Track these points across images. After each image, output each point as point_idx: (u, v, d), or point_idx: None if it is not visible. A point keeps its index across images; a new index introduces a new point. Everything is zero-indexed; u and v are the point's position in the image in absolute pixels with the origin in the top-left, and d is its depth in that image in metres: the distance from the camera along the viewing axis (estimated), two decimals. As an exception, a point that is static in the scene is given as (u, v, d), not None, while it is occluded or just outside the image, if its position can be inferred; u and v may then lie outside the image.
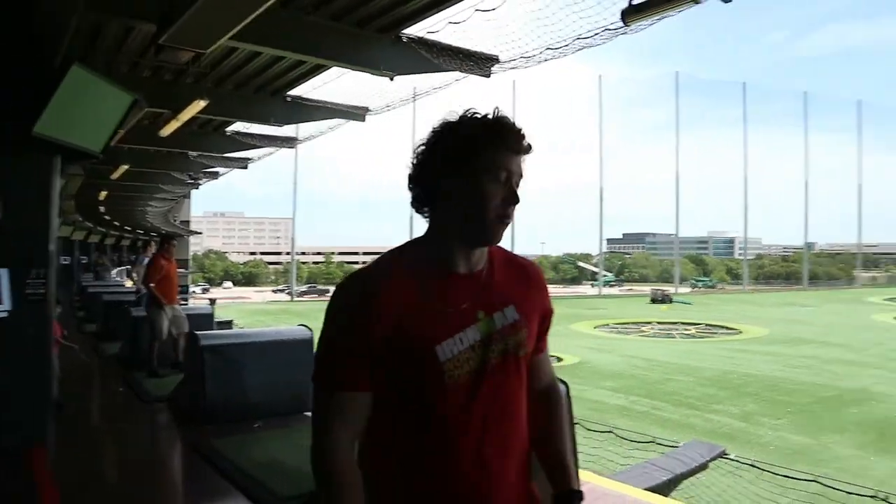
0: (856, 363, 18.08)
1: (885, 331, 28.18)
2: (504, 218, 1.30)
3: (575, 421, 4.86)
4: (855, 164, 65.93)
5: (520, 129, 1.31)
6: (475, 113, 1.32)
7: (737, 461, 6.31)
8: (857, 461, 9.83)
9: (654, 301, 46.41)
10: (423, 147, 1.34)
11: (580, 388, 14.85)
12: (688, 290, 56.09)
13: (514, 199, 1.30)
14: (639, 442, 7.47)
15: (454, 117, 1.33)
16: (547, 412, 1.45)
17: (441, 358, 1.25)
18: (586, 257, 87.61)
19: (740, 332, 27.86)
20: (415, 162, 1.35)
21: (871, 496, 5.25)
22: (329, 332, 1.30)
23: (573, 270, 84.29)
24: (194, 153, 9.44)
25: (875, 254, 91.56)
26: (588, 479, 4.52)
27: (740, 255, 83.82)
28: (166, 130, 7.02)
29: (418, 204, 1.36)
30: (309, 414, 5.85)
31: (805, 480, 5.82)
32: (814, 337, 24.77)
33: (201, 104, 5.81)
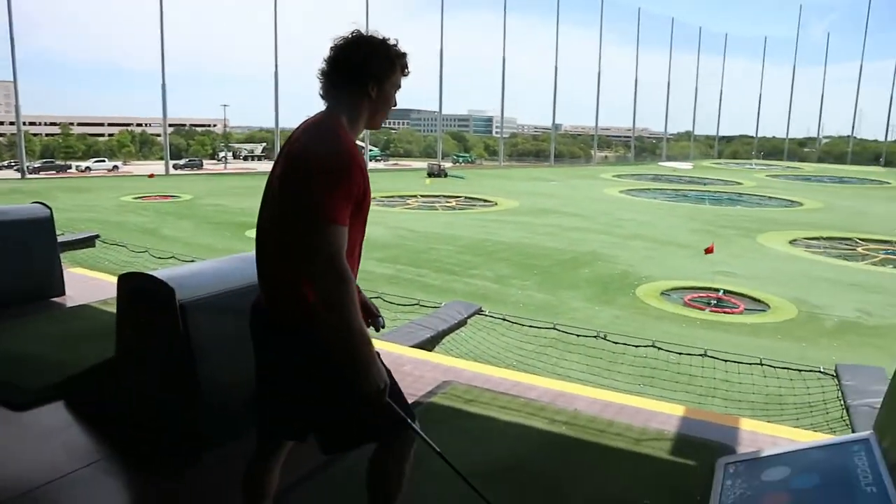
0: (589, 230, 20.68)
1: (612, 202, 32.39)
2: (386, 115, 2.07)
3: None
4: (595, 55, 71.87)
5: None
6: (391, 41, 1.96)
7: (491, 317, 7.03)
8: (586, 311, 11.45)
9: (430, 175, 48.09)
10: (352, 56, 1.92)
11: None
12: (449, 164, 58.78)
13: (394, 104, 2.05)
14: (405, 305, 7.95)
15: (378, 40, 1.94)
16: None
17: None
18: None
19: (496, 204, 30.12)
20: (341, 64, 1.93)
21: (594, 336, 6.22)
22: (332, 184, 1.80)
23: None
24: None
25: (608, 136, 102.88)
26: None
27: (497, 133, 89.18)
28: None
29: (331, 94, 1.97)
30: (54, 300, 5.27)
31: (546, 328, 6.72)
32: (556, 208, 27.66)
33: None
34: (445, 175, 48.49)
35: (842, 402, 5.54)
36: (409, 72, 2.02)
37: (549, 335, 6.91)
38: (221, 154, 70.97)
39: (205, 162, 65.57)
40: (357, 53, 1.92)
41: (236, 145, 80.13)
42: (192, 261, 7.22)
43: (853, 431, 4.38)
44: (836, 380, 5.98)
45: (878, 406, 2.91)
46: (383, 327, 2.47)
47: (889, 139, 78.12)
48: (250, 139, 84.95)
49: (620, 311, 11.76)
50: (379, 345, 5.07)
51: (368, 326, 2.14)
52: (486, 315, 7.11)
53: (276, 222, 1.98)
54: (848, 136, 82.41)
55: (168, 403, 3.08)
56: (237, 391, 3.25)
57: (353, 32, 1.95)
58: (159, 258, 11.50)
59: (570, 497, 2.90)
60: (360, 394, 1.89)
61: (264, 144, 77.11)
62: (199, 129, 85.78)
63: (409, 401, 3.83)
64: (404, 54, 2.00)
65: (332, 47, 1.95)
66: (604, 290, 13.41)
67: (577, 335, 6.55)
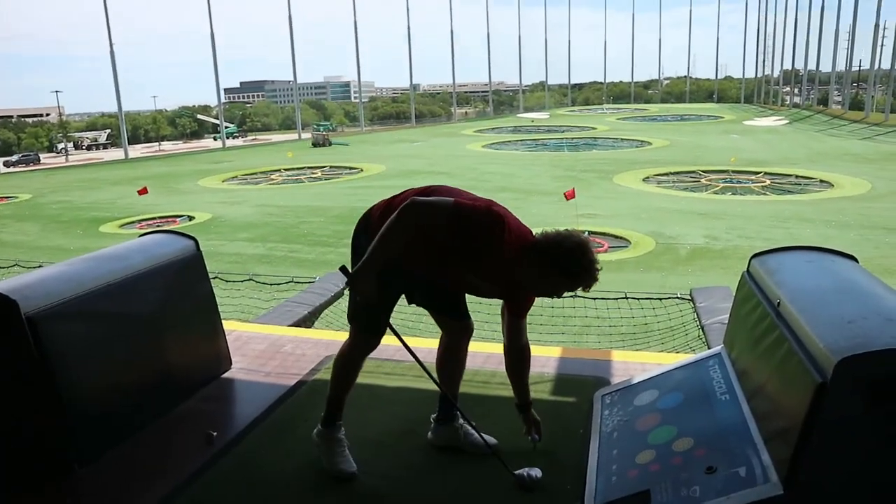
0: (457, 186, 20.94)
1: (476, 157, 33.01)
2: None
3: (214, 275, 4.77)
4: (447, 12, 72.05)
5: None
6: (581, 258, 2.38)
7: (368, 284, 6.99)
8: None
9: (315, 145, 48.13)
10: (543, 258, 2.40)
11: (216, 243, 14.57)
12: (308, 135, 57.48)
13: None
14: (279, 284, 7.75)
15: (570, 256, 2.38)
16: None
17: None
18: (205, 109, 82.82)
19: (361, 171, 29.86)
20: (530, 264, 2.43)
21: (472, 292, 6.36)
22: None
23: (192, 124, 79.37)
24: None
25: (466, 92, 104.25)
26: (233, 328, 4.59)
27: (356, 98, 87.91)
28: None
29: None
30: None
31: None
32: (423, 168, 27.82)
33: None
34: (330, 144, 48.57)
35: (698, 323, 6.02)
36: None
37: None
38: (61, 146, 65.17)
39: (42, 156, 59.93)
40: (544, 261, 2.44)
41: (77, 134, 73.83)
42: (39, 266, 6.63)
43: (708, 348, 4.78)
44: (691, 303, 6.49)
45: (726, 322, 3.18)
46: None
47: (719, 77, 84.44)
48: (92, 126, 78.58)
49: (495, 264, 12.09)
50: (255, 328, 4.93)
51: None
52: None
53: None
54: (685, 77, 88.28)
55: (28, 424, 2.84)
56: (110, 397, 3.05)
57: None
58: (-1, 268, 10.48)
59: (460, 449, 2.97)
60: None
61: (108, 131, 71.67)
62: (29, 119, 78.22)
63: (292, 381, 3.79)
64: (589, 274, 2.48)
65: None
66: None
67: (455, 292, 6.66)
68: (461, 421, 2.98)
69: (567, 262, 2.37)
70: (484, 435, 2.94)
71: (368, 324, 2.76)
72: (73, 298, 2.90)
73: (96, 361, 3.00)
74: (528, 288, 2.61)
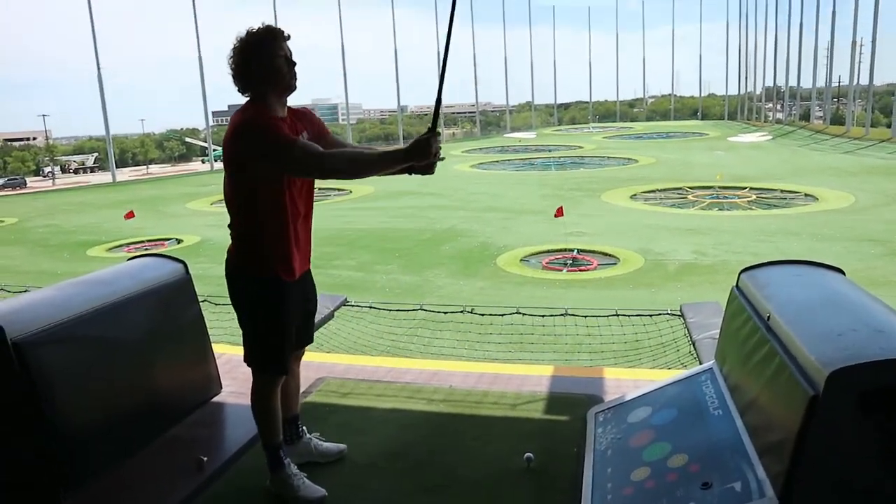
0: (445, 207, 21.05)
1: (464, 178, 33.11)
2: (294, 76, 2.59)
3: (203, 298, 4.73)
4: (434, 34, 72.68)
5: (279, 29, 2.56)
6: (248, 29, 2.53)
7: (357, 306, 6.96)
8: (451, 287, 11.65)
9: None
10: (236, 59, 2.53)
11: (205, 266, 14.47)
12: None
13: (293, 63, 2.58)
14: (269, 307, 7.67)
15: (242, 36, 2.52)
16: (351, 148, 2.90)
17: None
18: (193, 132, 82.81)
19: (350, 192, 29.84)
20: (234, 68, 2.54)
21: (461, 311, 6.34)
22: (269, 132, 2.43)
23: (181, 147, 79.33)
24: None
25: (453, 113, 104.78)
26: (223, 351, 4.55)
27: (344, 120, 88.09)
28: None
29: (243, 89, 2.56)
30: None
31: (413, 310, 6.74)
32: (411, 189, 27.84)
33: None
34: None
35: (689, 339, 6.02)
36: (286, 34, 2.59)
37: (417, 316, 6.95)
38: (47, 169, 64.83)
39: (29, 180, 59.54)
40: (238, 62, 2.57)
41: (64, 158, 73.51)
42: (26, 290, 6.56)
43: (700, 363, 4.78)
44: (682, 318, 6.49)
45: (717, 337, 3.19)
46: None
47: (703, 94, 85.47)
48: (79, 150, 78.30)
49: (484, 283, 12.09)
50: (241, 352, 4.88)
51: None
52: (353, 305, 7.03)
53: None
54: (669, 95, 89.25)
55: (14, 450, 2.79)
56: (97, 422, 3.01)
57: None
58: (-15, 294, 10.35)
59: (454, 470, 2.96)
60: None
61: (96, 154, 71.43)
62: (14, 143, 77.84)
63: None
64: (268, 28, 2.58)
65: None
66: (466, 265, 13.72)
67: (445, 312, 6.64)
68: (309, 436, 3.09)
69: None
70: (331, 443, 3.10)
71: (278, 362, 2.77)
72: (60, 323, 2.88)
73: (84, 387, 2.96)
74: None
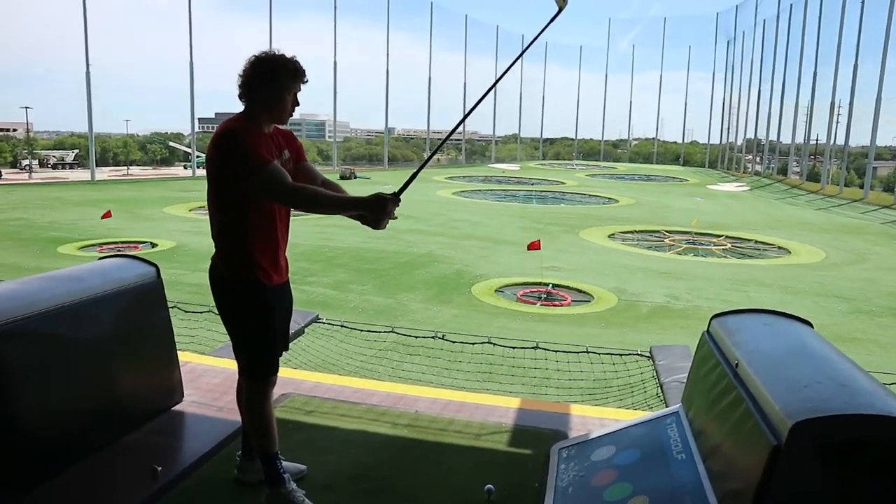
0: (424, 232, 21.05)
1: (445, 204, 33.22)
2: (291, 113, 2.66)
3: (173, 304, 4.67)
4: (426, 60, 73.36)
5: (303, 70, 2.65)
6: (281, 53, 2.59)
7: (329, 324, 6.91)
8: (425, 312, 11.60)
9: (343, 178, 48.29)
10: (251, 71, 2.57)
11: (178, 272, 14.30)
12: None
13: (297, 104, 2.67)
14: (239, 318, 7.58)
15: (270, 54, 2.58)
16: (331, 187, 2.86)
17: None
18: (178, 137, 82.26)
19: (331, 210, 29.78)
20: (245, 78, 2.57)
21: (433, 337, 6.33)
22: (246, 148, 2.46)
23: (164, 151, 78.69)
24: None
25: (440, 139, 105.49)
26: (188, 360, 4.48)
27: (330, 137, 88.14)
28: None
29: (243, 98, 2.59)
30: None
31: (385, 332, 6.72)
32: (392, 211, 27.85)
33: None
34: (356, 177, 49.51)
35: (657, 381, 6.06)
36: (305, 80, 2.71)
37: (388, 339, 6.92)
38: (25, 162, 63.82)
39: (4, 171, 58.52)
40: (252, 74, 2.61)
41: (43, 152, 72.46)
42: (-11, 283, 6.41)
43: (667, 406, 4.80)
44: (651, 360, 6.53)
45: (685, 381, 3.21)
46: None
47: (686, 141, 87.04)
48: (59, 145, 77.27)
49: (458, 310, 12.07)
50: (210, 361, 4.82)
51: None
52: (324, 322, 6.98)
53: None
54: (653, 139, 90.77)
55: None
56: (52, 422, 2.93)
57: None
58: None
59: (414, 496, 2.92)
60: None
61: (76, 151, 70.52)
62: (-7, 134, 76.66)
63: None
64: (296, 65, 2.65)
65: None
66: (441, 291, 13.69)
67: (416, 337, 6.62)
68: None
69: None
70: (290, 463, 2.95)
71: (270, 365, 2.79)
72: (23, 318, 2.81)
73: (43, 385, 2.89)
74: None
